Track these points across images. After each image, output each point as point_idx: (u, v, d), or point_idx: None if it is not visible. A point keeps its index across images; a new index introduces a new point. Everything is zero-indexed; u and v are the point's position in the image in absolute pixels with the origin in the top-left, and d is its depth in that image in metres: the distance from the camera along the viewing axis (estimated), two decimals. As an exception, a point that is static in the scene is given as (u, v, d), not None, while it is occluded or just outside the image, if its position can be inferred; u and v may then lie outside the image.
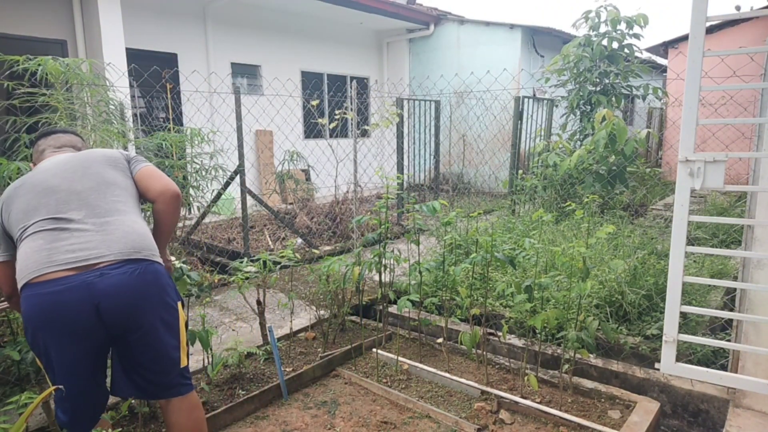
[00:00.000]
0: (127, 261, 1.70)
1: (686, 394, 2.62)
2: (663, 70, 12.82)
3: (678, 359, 2.14)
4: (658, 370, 2.22)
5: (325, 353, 3.12)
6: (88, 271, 1.64)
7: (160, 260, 1.82)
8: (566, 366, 2.64)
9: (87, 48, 6.97)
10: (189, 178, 5.28)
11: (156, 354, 1.78)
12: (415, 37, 11.26)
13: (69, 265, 1.64)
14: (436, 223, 5.43)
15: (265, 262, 3.02)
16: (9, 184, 2.96)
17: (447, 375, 2.83)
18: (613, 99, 6.51)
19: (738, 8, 7.83)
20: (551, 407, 2.48)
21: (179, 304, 1.86)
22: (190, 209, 5.78)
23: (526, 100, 7.23)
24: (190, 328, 2.46)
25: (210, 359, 2.68)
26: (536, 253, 2.83)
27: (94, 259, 1.66)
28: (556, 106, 7.94)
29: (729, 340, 2.85)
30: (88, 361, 1.73)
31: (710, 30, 9.03)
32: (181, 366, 1.85)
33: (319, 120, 5.20)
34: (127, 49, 6.87)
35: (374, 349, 3.12)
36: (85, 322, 1.64)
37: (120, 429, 2.35)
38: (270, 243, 5.98)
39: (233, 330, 3.74)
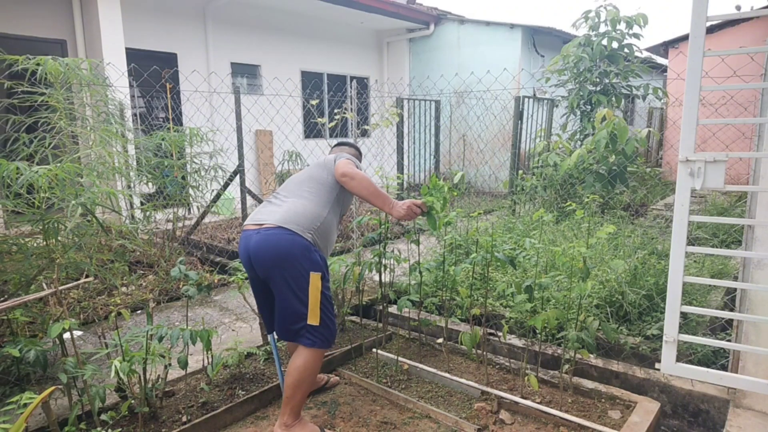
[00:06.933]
0: (277, 227, 2.24)
1: (686, 394, 2.62)
2: (663, 70, 12.81)
3: (678, 359, 2.13)
4: (659, 370, 2.22)
5: (325, 353, 3.12)
6: (256, 229, 2.28)
7: (305, 235, 2.24)
8: (566, 366, 2.64)
9: (87, 48, 6.97)
10: (188, 178, 5.28)
11: (283, 304, 2.25)
12: (415, 36, 11.25)
13: (253, 223, 2.33)
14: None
15: (265, 262, 3.01)
16: (8, 185, 2.96)
17: (447, 375, 2.83)
18: (613, 99, 6.50)
19: (738, 8, 7.83)
20: (551, 407, 2.48)
21: (313, 274, 2.21)
22: (189, 209, 5.77)
23: (526, 100, 7.23)
24: (190, 328, 2.46)
25: (210, 359, 2.68)
26: (536, 253, 2.82)
27: (262, 222, 2.30)
28: (556, 106, 7.93)
29: (729, 340, 2.84)
30: (257, 289, 2.42)
31: (710, 30, 9.03)
32: (309, 323, 2.22)
33: (319, 120, 5.20)
34: (126, 48, 6.86)
35: (374, 349, 3.12)
36: (246, 261, 2.32)
37: (120, 429, 2.35)
38: (270, 243, 5.96)
39: (233, 330, 3.73)
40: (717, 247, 4.39)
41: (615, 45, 6.45)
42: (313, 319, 2.22)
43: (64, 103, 4.02)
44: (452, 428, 2.40)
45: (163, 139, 4.87)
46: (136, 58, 6.80)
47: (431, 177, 2.67)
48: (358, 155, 2.92)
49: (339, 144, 2.99)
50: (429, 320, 3.26)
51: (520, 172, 6.89)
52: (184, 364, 2.51)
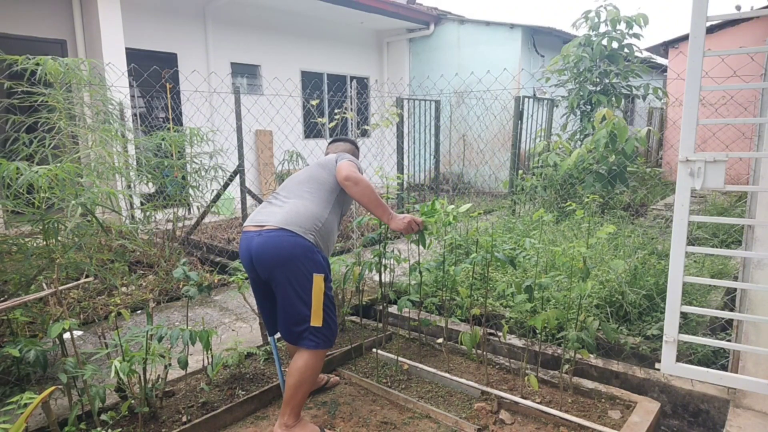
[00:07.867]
0: (279, 229, 2.23)
1: (686, 394, 2.62)
2: (663, 69, 12.81)
3: (678, 359, 2.13)
4: (659, 370, 2.22)
5: (326, 353, 3.12)
6: (257, 231, 2.27)
7: (307, 236, 2.25)
8: (566, 366, 2.64)
9: (87, 48, 6.97)
10: (188, 177, 5.28)
11: (286, 305, 2.25)
12: (415, 36, 11.25)
13: (254, 224, 2.33)
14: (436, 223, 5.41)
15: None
16: (8, 185, 2.96)
17: (447, 375, 2.83)
18: (614, 99, 6.50)
19: (738, 8, 7.83)
20: (551, 407, 2.48)
21: (316, 275, 2.23)
22: (189, 209, 5.78)
23: (526, 100, 7.23)
24: (190, 328, 2.46)
25: (210, 359, 2.68)
26: (536, 253, 2.82)
27: (263, 223, 2.29)
28: (557, 106, 7.93)
29: (729, 340, 2.84)
30: (258, 290, 2.42)
31: (710, 30, 9.03)
32: (312, 324, 2.23)
33: (319, 120, 5.20)
34: (126, 48, 6.86)
35: (374, 349, 3.12)
36: (248, 263, 2.31)
37: (120, 429, 2.35)
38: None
39: (233, 330, 3.74)
40: (717, 247, 4.39)
41: (615, 45, 6.44)
42: (317, 320, 2.24)
43: (64, 104, 4.02)
44: (452, 428, 2.40)
45: (163, 139, 4.87)
46: (136, 58, 6.80)
47: (432, 203, 2.76)
48: (356, 152, 2.92)
49: (335, 140, 2.96)
50: (429, 320, 3.26)
51: (520, 172, 6.89)
52: (184, 364, 2.51)
